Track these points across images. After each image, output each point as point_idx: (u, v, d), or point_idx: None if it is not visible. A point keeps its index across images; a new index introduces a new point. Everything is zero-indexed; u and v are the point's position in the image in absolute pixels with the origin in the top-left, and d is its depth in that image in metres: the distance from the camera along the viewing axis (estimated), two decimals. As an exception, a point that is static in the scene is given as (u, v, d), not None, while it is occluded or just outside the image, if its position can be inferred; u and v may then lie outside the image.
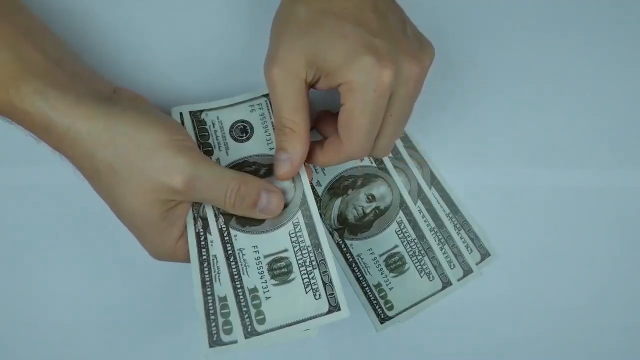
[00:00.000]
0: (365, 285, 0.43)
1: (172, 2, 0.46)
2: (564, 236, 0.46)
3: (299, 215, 0.39)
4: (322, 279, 0.38)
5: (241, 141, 0.42)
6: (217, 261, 0.38)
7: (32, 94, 0.34)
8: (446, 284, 0.45)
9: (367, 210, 0.44)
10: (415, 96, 0.37)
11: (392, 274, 0.43)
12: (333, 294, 0.37)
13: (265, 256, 0.38)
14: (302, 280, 0.38)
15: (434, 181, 0.46)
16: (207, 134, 0.42)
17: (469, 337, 0.45)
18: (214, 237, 0.39)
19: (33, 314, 0.45)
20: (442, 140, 0.47)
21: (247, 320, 0.37)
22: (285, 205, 0.39)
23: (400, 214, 0.44)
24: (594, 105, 0.47)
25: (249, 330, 0.36)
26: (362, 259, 0.44)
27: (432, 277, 0.43)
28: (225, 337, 0.37)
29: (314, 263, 0.38)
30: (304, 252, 0.38)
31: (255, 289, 0.37)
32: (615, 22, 0.48)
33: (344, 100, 0.35)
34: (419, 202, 0.46)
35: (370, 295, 0.43)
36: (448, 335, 0.45)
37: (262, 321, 0.37)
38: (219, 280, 0.38)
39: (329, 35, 0.35)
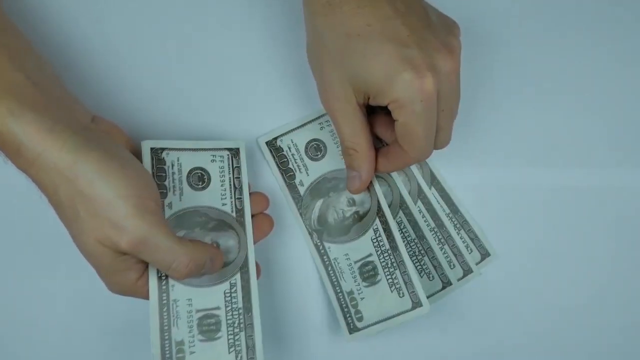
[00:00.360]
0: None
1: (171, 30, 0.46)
2: (563, 236, 0.46)
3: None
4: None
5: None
6: (177, 305, 0.39)
7: (5, 113, 0.33)
8: (446, 283, 0.45)
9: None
10: (458, 82, 0.38)
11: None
12: (414, 292, 0.42)
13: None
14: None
15: (434, 181, 0.46)
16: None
17: (469, 337, 0.46)
18: (151, 286, 0.38)
19: (34, 314, 0.45)
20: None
21: None
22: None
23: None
24: (593, 105, 0.48)
25: (351, 327, 0.42)
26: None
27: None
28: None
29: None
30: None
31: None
32: (615, 22, 0.48)
33: (397, 116, 0.37)
34: (419, 202, 0.46)
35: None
36: (448, 335, 0.45)
37: None
38: (177, 324, 0.38)
39: (362, 59, 0.36)
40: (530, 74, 0.47)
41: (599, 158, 0.47)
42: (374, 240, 0.43)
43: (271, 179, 0.45)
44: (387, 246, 0.43)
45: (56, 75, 0.39)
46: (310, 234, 0.44)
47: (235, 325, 0.39)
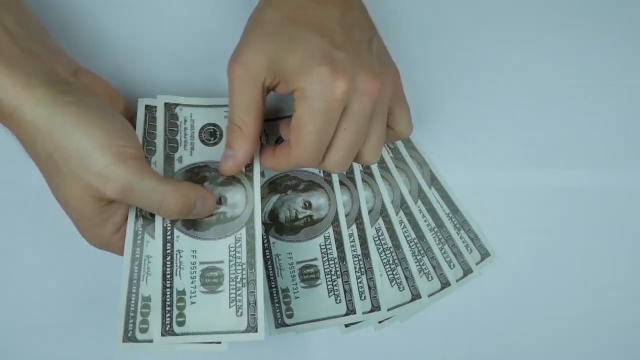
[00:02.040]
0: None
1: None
2: (563, 236, 0.46)
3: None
4: (247, 298, 0.39)
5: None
6: (149, 262, 0.39)
7: None
8: (445, 284, 0.45)
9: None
10: (370, 113, 0.36)
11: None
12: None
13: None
14: (229, 295, 0.39)
15: (434, 181, 0.46)
16: (176, 129, 0.42)
17: (469, 337, 0.46)
18: (157, 235, 0.39)
19: (34, 314, 0.45)
20: (442, 140, 0.47)
21: (168, 319, 0.38)
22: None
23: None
24: (594, 105, 0.48)
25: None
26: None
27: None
28: (139, 335, 0.38)
29: (244, 281, 0.39)
30: (238, 268, 0.39)
31: (183, 292, 0.38)
32: (615, 22, 0.48)
33: (296, 106, 0.36)
34: (419, 202, 0.46)
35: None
36: (448, 335, 0.45)
37: (181, 323, 0.38)
38: (147, 280, 0.39)
39: (290, 41, 0.35)
40: (531, 74, 0.47)
41: (599, 158, 0.47)
42: (322, 247, 0.44)
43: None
44: (335, 255, 0.43)
45: (42, 27, 0.39)
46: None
47: (238, 280, 0.39)
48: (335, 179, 0.44)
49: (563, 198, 0.46)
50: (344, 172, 0.45)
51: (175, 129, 0.42)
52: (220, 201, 0.41)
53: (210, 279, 0.39)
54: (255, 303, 0.39)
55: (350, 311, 0.44)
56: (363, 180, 0.45)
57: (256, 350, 0.45)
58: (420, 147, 0.47)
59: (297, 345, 0.45)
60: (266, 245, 0.44)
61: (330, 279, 0.43)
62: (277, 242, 0.44)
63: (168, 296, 0.38)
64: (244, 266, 0.39)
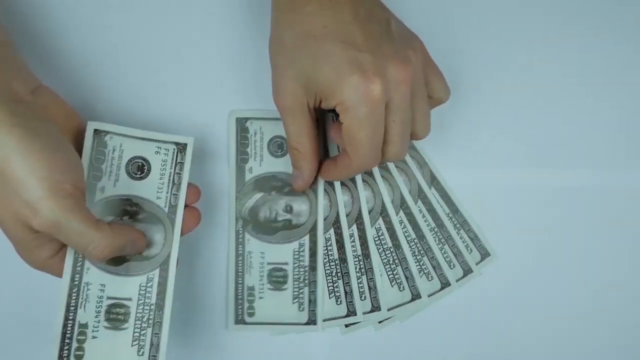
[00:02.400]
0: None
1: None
2: (563, 236, 0.46)
3: (306, 238, 0.44)
4: (309, 296, 0.44)
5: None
6: (87, 289, 0.39)
7: None
8: (445, 284, 0.45)
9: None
10: (410, 97, 0.37)
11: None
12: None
13: (269, 263, 0.44)
14: (293, 292, 0.44)
15: (434, 181, 0.46)
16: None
17: (469, 337, 0.46)
18: (90, 264, 0.39)
19: (34, 314, 0.45)
20: (442, 140, 0.47)
21: (240, 310, 0.43)
22: (298, 226, 0.44)
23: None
24: (594, 104, 0.47)
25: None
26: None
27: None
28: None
29: (306, 281, 0.44)
30: (301, 269, 0.44)
31: (86, 325, 0.39)
32: (616, 22, 0.48)
33: (342, 119, 0.37)
34: (419, 202, 0.46)
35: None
36: (448, 335, 0.45)
37: (251, 315, 0.43)
38: (84, 307, 0.39)
39: (315, 60, 0.36)
40: (531, 74, 0.47)
41: (599, 158, 0.47)
42: (296, 253, 0.44)
43: (222, 166, 0.45)
44: (306, 264, 0.44)
45: (4, 41, 0.38)
46: (237, 220, 0.44)
47: (144, 320, 0.40)
48: (320, 188, 0.44)
49: (563, 198, 0.46)
50: None
51: (102, 157, 0.41)
52: (287, 209, 0.44)
53: (115, 315, 0.39)
54: (158, 345, 0.39)
55: (351, 312, 0.44)
56: (363, 181, 0.45)
57: (256, 349, 0.45)
58: (420, 147, 0.47)
59: (297, 345, 0.45)
60: (240, 239, 0.44)
61: (297, 286, 0.44)
62: (252, 240, 0.44)
63: (69, 328, 0.39)
64: (152, 307, 0.40)
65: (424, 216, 0.46)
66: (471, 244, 0.46)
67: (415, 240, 0.45)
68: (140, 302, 0.40)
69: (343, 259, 0.45)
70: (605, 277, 0.46)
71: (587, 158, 0.47)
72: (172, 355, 0.44)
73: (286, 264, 0.44)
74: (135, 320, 0.40)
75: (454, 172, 0.46)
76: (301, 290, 0.44)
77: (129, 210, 0.40)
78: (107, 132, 0.41)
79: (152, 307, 0.40)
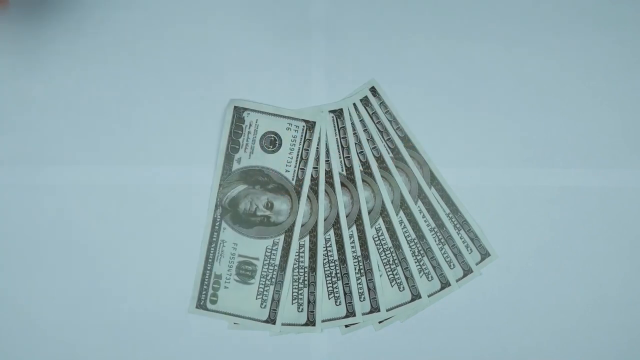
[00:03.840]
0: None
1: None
2: (563, 236, 0.46)
3: (281, 237, 0.45)
4: (273, 295, 0.45)
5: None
6: (223, 245, 0.45)
7: None
8: (445, 284, 0.45)
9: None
10: None
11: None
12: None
13: (240, 255, 0.45)
14: (258, 288, 0.45)
15: (434, 181, 0.46)
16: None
17: (469, 337, 0.45)
18: (226, 225, 0.45)
19: (34, 314, 0.45)
20: (442, 141, 0.47)
21: (203, 296, 0.45)
22: (275, 224, 0.45)
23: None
24: (594, 105, 0.47)
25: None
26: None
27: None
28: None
29: (273, 280, 0.45)
30: (270, 267, 0.45)
31: (220, 276, 0.45)
32: (615, 23, 0.48)
33: None
34: (419, 202, 0.46)
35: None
36: (448, 335, 0.45)
37: (214, 302, 0.45)
38: (220, 261, 0.45)
39: None
40: (531, 74, 0.47)
41: (599, 158, 0.47)
42: (268, 250, 0.45)
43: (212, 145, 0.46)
44: (276, 262, 0.45)
45: None
46: (216, 207, 0.45)
47: (268, 278, 0.45)
48: (305, 190, 0.45)
49: (563, 198, 0.46)
50: (345, 173, 0.46)
51: (240, 132, 0.45)
52: (268, 205, 0.45)
53: (244, 271, 0.45)
54: (278, 300, 0.45)
55: (350, 313, 0.44)
56: (363, 181, 0.45)
57: (255, 348, 0.45)
58: (420, 147, 0.47)
59: (297, 345, 0.45)
60: (217, 227, 0.45)
61: (263, 283, 0.45)
62: (227, 229, 0.45)
63: (206, 277, 0.45)
64: (276, 267, 0.45)
65: (423, 216, 0.46)
66: (471, 244, 0.46)
67: (415, 240, 0.45)
68: (265, 262, 0.45)
69: (343, 260, 0.45)
70: (605, 277, 0.46)
71: (587, 158, 0.47)
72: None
73: (257, 259, 0.45)
74: (260, 277, 0.45)
75: (454, 172, 0.46)
76: (267, 288, 0.45)
77: (260, 180, 0.45)
78: (245, 109, 0.46)
79: (275, 267, 0.45)
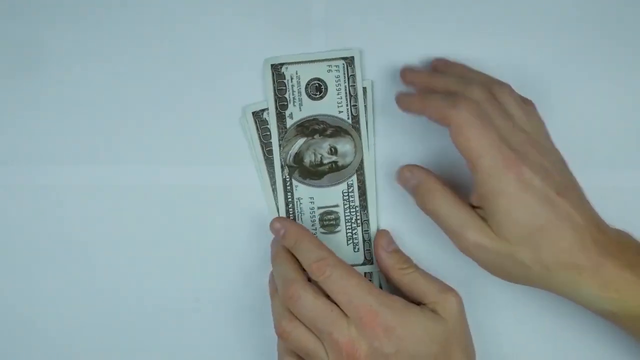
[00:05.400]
0: None
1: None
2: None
3: (354, 178, 0.45)
4: (363, 236, 0.45)
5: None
6: (300, 203, 0.45)
7: None
8: (368, 260, 0.45)
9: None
10: None
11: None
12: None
13: (319, 207, 0.45)
14: (346, 233, 0.45)
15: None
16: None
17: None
18: (297, 182, 0.45)
19: (34, 314, 0.45)
20: (442, 140, 0.46)
21: None
22: (344, 167, 0.45)
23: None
24: (594, 105, 0.47)
25: None
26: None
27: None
28: None
29: (358, 221, 0.45)
30: (352, 210, 0.45)
31: None
32: (616, 22, 0.48)
33: None
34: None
35: None
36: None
37: None
38: (302, 219, 0.45)
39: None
40: (530, 73, 0.47)
41: (600, 158, 0.47)
42: (345, 194, 0.44)
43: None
44: (357, 203, 0.45)
45: None
46: (282, 168, 0.45)
47: (353, 221, 0.45)
48: (363, 125, 0.45)
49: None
50: (350, 121, 0.46)
51: (284, 88, 0.45)
52: (331, 151, 0.45)
53: (328, 222, 0.45)
54: (370, 240, 0.45)
55: (368, 261, 0.44)
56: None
57: (256, 348, 0.45)
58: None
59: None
60: (289, 187, 0.45)
61: (349, 227, 0.44)
62: (300, 186, 0.45)
63: None
64: (357, 208, 0.45)
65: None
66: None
67: (357, 208, 0.45)
68: (346, 206, 0.45)
69: (364, 206, 0.45)
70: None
71: (587, 158, 0.46)
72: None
73: (337, 206, 0.45)
74: (345, 222, 0.45)
75: (454, 172, 0.46)
76: (354, 231, 0.44)
77: (317, 128, 0.45)
78: (282, 64, 0.45)
79: (357, 208, 0.45)
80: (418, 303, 0.41)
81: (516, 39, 0.47)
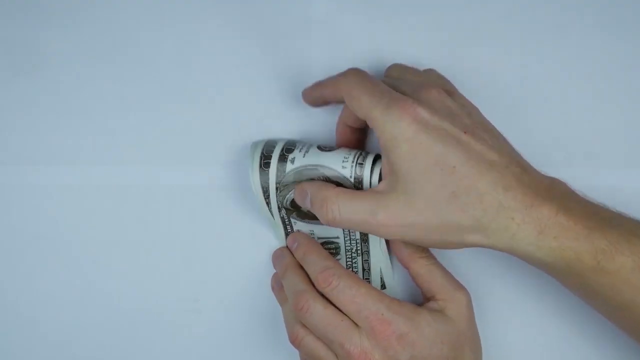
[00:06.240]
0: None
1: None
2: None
3: None
4: (363, 265, 0.44)
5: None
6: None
7: None
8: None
9: None
10: None
11: None
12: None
13: (319, 238, 0.44)
14: (346, 261, 0.44)
15: None
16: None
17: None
18: (296, 219, 0.44)
19: (34, 314, 0.45)
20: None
21: None
22: None
23: None
24: (594, 105, 0.47)
25: None
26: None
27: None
28: None
29: (359, 251, 0.44)
30: (352, 242, 0.44)
31: None
32: (616, 22, 0.48)
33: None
34: None
35: None
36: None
37: None
38: None
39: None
40: (530, 73, 0.47)
41: (599, 158, 0.47)
42: (345, 231, 0.43)
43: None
44: (358, 237, 0.43)
45: None
46: (279, 209, 0.44)
47: (353, 251, 0.44)
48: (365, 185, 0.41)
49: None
50: (353, 181, 0.42)
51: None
52: None
53: (328, 250, 0.43)
54: (369, 269, 0.44)
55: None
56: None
57: (256, 349, 0.45)
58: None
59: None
60: (287, 223, 0.44)
61: (350, 257, 0.44)
62: (298, 223, 0.44)
63: None
64: (358, 240, 0.43)
65: None
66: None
67: (358, 240, 0.44)
68: (346, 238, 0.44)
69: (364, 240, 0.44)
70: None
71: (587, 158, 0.46)
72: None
73: (337, 237, 0.44)
74: (346, 251, 0.44)
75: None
76: (354, 260, 0.44)
77: (315, 179, 0.41)
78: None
79: (358, 240, 0.44)
80: (428, 297, 0.40)
81: (517, 39, 0.47)
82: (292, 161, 0.42)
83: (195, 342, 0.46)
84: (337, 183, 0.41)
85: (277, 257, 0.44)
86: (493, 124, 0.46)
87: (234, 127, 0.46)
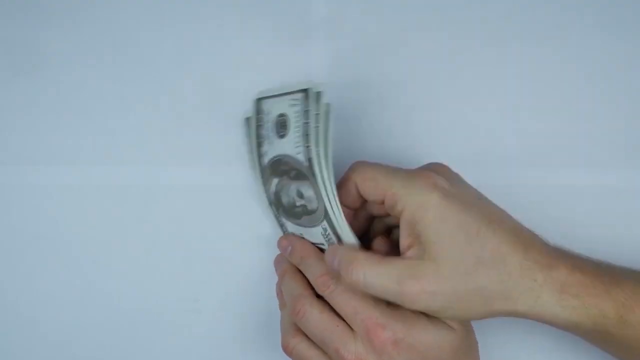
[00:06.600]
0: None
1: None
2: (563, 236, 0.46)
3: (325, 223, 0.40)
4: None
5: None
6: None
7: None
8: None
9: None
10: None
11: None
12: None
13: (311, 244, 0.43)
14: None
15: None
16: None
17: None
18: (285, 220, 0.43)
19: (34, 314, 0.45)
20: (442, 141, 0.47)
21: None
22: (314, 212, 0.40)
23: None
24: (594, 104, 0.47)
25: None
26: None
27: None
28: None
29: None
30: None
31: None
32: (616, 22, 0.48)
33: None
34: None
35: None
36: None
37: None
38: None
39: None
40: (530, 73, 0.47)
41: (600, 158, 0.47)
42: (324, 236, 0.42)
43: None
44: (335, 242, 0.41)
45: None
46: (270, 204, 0.44)
47: None
48: (317, 171, 0.39)
49: (562, 198, 0.46)
50: (307, 164, 0.40)
51: (261, 123, 0.42)
52: (299, 194, 0.41)
53: None
54: None
55: None
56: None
57: (255, 348, 0.45)
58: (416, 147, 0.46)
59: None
60: (281, 224, 0.44)
61: None
62: (288, 223, 0.44)
63: None
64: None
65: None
66: None
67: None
68: (328, 245, 0.41)
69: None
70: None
71: (587, 158, 0.47)
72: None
73: (323, 244, 0.43)
74: None
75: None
76: None
77: (283, 169, 0.40)
78: (262, 98, 0.41)
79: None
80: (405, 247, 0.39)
81: (517, 39, 0.47)
82: (265, 154, 0.42)
83: (195, 342, 0.46)
84: (298, 169, 0.39)
85: (277, 262, 0.44)
86: (493, 123, 0.47)
87: (234, 127, 0.46)
